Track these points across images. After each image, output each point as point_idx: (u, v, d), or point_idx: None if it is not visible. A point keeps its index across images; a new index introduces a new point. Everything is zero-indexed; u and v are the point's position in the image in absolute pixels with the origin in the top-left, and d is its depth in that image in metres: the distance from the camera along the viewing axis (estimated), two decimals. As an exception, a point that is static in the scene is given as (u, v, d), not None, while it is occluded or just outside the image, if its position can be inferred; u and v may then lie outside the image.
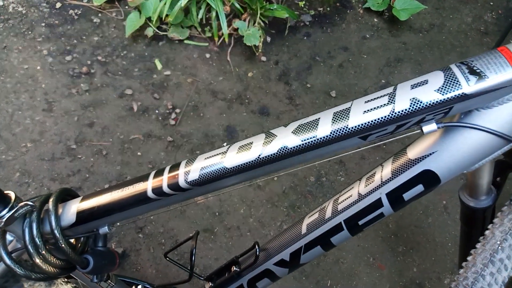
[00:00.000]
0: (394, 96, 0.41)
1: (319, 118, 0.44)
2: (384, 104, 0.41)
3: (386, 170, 0.49)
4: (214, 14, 1.63)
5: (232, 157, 0.47)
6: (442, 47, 1.82)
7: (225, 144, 1.53)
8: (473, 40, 1.85)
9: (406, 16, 1.80)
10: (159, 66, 1.69)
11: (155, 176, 0.52)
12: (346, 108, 0.43)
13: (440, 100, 0.39)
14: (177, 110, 1.59)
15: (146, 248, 1.34)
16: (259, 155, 0.46)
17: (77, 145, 1.51)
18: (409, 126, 0.43)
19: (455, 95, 0.39)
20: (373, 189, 0.50)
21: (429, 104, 0.39)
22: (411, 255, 1.35)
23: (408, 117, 0.41)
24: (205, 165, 0.49)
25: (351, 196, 0.53)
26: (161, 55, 1.72)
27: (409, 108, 0.40)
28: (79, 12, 1.79)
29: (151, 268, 1.32)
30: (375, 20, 1.88)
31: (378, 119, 0.41)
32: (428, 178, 0.47)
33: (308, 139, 0.44)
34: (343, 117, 0.43)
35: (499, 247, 0.58)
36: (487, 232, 0.61)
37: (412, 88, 0.41)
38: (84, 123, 1.55)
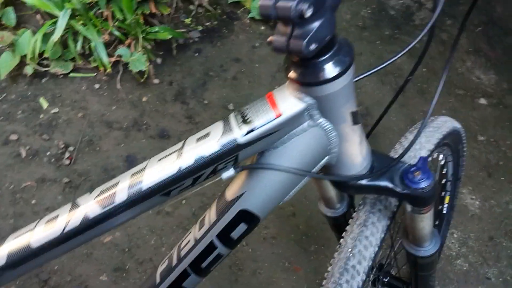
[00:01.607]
0: (182, 152, 0.42)
1: (118, 182, 0.44)
2: (173, 162, 0.42)
3: (212, 213, 0.51)
4: (93, 44, 1.57)
5: (39, 233, 0.45)
6: (328, 46, 1.92)
7: (126, 175, 1.48)
8: (354, 36, 1.97)
9: (290, 21, 1.87)
10: (44, 104, 1.59)
11: None
12: (142, 168, 0.43)
13: (220, 153, 0.41)
14: (71, 148, 1.51)
15: (53, 303, 1.25)
16: (63, 230, 0.44)
17: (-42, 206, 1.37)
18: (205, 177, 0.44)
19: (232, 147, 0.41)
20: (205, 232, 0.51)
21: (211, 158, 0.41)
22: (323, 252, 1.41)
23: (197, 172, 0.42)
24: (12, 249, 0.46)
25: (189, 241, 0.53)
26: (45, 92, 1.62)
27: (194, 164, 0.41)
28: None
29: (61, 323, 1.23)
30: (262, 28, 1.93)
31: (168, 178, 0.42)
32: (247, 217, 0.49)
33: (108, 206, 0.43)
34: (139, 178, 0.43)
35: (351, 254, 0.61)
36: (341, 240, 0.65)
37: (198, 141, 0.42)
38: (-36, 180, 1.41)
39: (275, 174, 0.45)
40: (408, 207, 0.55)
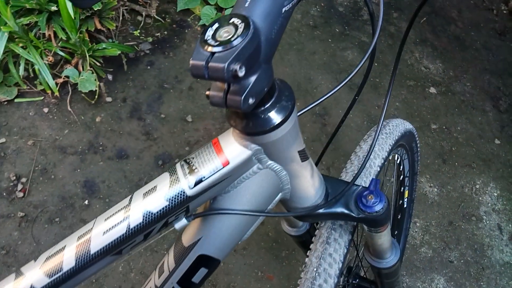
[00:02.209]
0: (129, 209, 0.41)
1: (64, 247, 0.42)
2: (121, 221, 0.40)
3: (170, 259, 0.50)
4: (37, 67, 1.49)
5: None
6: (281, 48, 1.93)
7: (86, 202, 1.42)
8: (306, 35, 1.99)
9: (241, 26, 1.86)
10: (-10, 135, 1.50)
11: None
12: (89, 230, 0.42)
13: (170, 208, 0.40)
14: (23, 180, 1.43)
15: None
16: None
17: None
18: (157, 231, 0.43)
19: (181, 200, 0.40)
20: (165, 280, 0.50)
21: (161, 213, 0.40)
22: (294, 257, 1.42)
23: (147, 228, 0.41)
24: None
25: (150, 288, 0.52)
26: (-11, 121, 1.53)
27: (143, 222, 0.40)
28: None
29: None
30: (214, 34, 1.90)
31: (118, 238, 0.40)
32: (206, 261, 0.48)
33: (56, 274, 0.41)
34: (86, 242, 0.41)
35: (316, 274, 0.62)
36: (306, 259, 0.65)
37: (145, 196, 0.41)
38: None
39: (229, 218, 0.45)
40: (365, 227, 0.56)
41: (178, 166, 0.42)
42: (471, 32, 2.16)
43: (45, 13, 1.48)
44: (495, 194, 1.64)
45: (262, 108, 0.40)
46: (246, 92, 0.34)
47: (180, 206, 0.40)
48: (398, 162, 1.06)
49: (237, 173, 0.42)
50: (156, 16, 1.88)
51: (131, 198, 0.42)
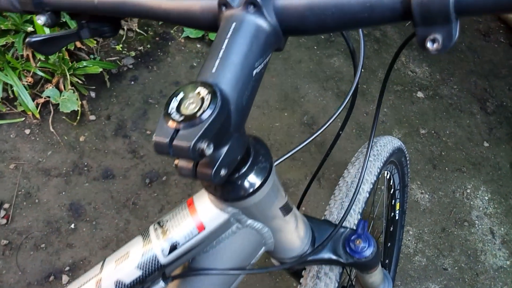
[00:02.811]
0: (100, 279, 0.38)
1: None
2: None
3: None
4: (15, 89, 1.45)
5: None
6: (267, 57, 1.91)
7: (72, 225, 1.39)
8: (291, 43, 1.97)
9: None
10: (-30, 160, 1.45)
11: None
12: None
13: (143, 277, 0.38)
14: (6, 206, 1.39)
15: None
16: None
17: None
18: None
19: (155, 268, 0.38)
20: None
21: (133, 283, 0.37)
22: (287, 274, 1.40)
23: None
24: None
25: None
26: (-31, 146, 1.48)
27: None
28: None
29: None
30: (198, 46, 1.88)
31: None
32: None
33: None
34: None
35: (307, 311, 0.60)
36: (296, 297, 0.63)
37: (117, 264, 0.38)
38: None
39: (210, 277, 0.42)
40: (355, 269, 0.55)
41: (151, 229, 0.40)
42: (456, 34, 2.16)
43: (22, 33, 1.44)
44: (486, 197, 1.64)
45: (238, 175, 0.37)
46: (217, 165, 0.31)
47: (154, 274, 0.38)
48: (388, 177, 1.05)
49: (215, 235, 0.39)
50: (138, 30, 1.85)
51: (102, 264, 0.40)
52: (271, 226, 0.42)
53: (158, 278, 0.39)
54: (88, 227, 1.39)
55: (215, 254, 0.41)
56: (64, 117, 1.57)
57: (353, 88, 0.47)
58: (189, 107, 0.29)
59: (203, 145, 0.28)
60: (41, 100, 1.54)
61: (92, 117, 1.61)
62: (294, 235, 0.46)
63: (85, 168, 1.50)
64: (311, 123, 1.72)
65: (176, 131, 0.29)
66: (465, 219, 1.58)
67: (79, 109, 1.51)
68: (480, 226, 1.57)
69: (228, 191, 0.37)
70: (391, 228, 1.26)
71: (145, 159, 1.55)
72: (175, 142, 0.28)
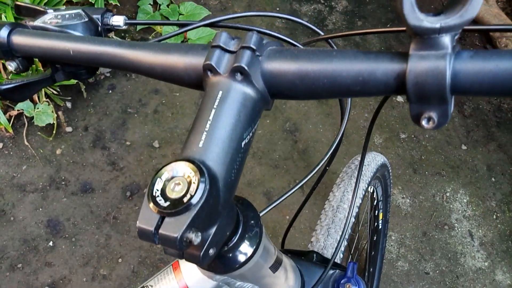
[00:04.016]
0: None
1: None
2: None
3: None
4: (-14, 102, 1.39)
5: None
6: (247, 63, 1.89)
7: (51, 243, 1.34)
8: (272, 48, 1.95)
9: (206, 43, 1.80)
10: None
11: None
12: None
13: None
14: (-21, 224, 1.34)
15: None
16: None
17: None
18: None
19: None
20: None
21: None
22: None
23: None
24: None
25: None
26: None
27: None
28: None
29: None
30: (177, 52, 1.84)
31: None
32: None
33: None
34: None
35: None
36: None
37: None
38: None
39: None
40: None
41: None
42: (433, 37, 2.19)
43: (-8, 44, 1.38)
44: (465, 200, 1.68)
45: (227, 247, 0.35)
46: (205, 247, 0.30)
47: None
48: (371, 191, 1.06)
49: None
50: (114, 36, 1.80)
51: None
52: (261, 284, 0.41)
53: None
54: (68, 244, 1.35)
55: None
56: (39, 132, 1.52)
57: (336, 141, 0.46)
58: (175, 189, 0.27)
59: (191, 235, 0.26)
60: (14, 113, 1.48)
61: (69, 129, 1.56)
62: (284, 287, 0.45)
63: (63, 182, 1.46)
64: (293, 130, 1.72)
65: (162, 218, 0.27)
66: (445, 222, 1.61)
67: (54, 122, 1.46)
68: (459, 229, 1.61)
69: (217, 265, 0.35)
70: (375, 237, 1.27)
71: (125, 171, 1.51)
72: (161, 231, 0.26)
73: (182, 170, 0.28)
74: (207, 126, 0.29)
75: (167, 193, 0.27)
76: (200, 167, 0.27)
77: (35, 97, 1.49)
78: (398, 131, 1.81)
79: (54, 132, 1.51)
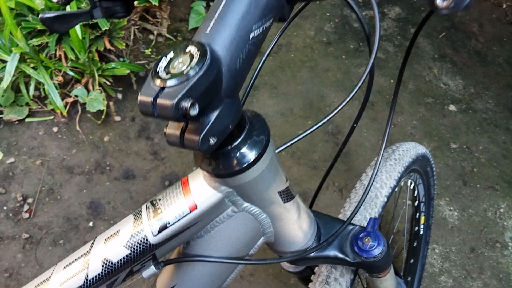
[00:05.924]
0: (89, 258, 0.36)
1: None
2: (79, 271, 0.36)
3: None
4: (46, 87, 1.50)
5: None
6: (293, 65, 1.89)
7: (91, 223, 1.40)
8: (319, 52, 1.95)
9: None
10: None
11: None
12: (47, 278, 0.37)
13: (132, 256, 0.36)
14: (30, 200, 1.42)
15: None
16: None
17: None
18: (121, 281, 0.38)
19: (144, 248, 0.35)
20: None
21: (121, 263, 0.35)
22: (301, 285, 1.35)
23: (108, 279, 0.36)
24: None
25: None
26: (0, 142, 1.54)
27: (102, 272, 0.36)
28: None
29: None
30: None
31: None
32: None
33: None
34: None
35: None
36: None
37: (106, 243, 0.37)
38: None
39: (205, 265, 0.40)
40: (365, 272, 0.51)
41: (143, 208, 0.38)
42: (493, 47, 2.07)
43: (56, 34, 1.49)
44: (522, 219, 1.54)
45: (230, 147, 0.35)
46: (204, 131, 0.30)
47: (143, 255, 0.36)
48: (411, 187, 1.00)
49: (208, 218, 0.37)
50: (167, 35, 1.88)
51: (92, 243, 0.38)
52: (269, 212, 0.40)
53: (148, 261, 0.37)
54: (106, 226, 1.40)
55: (210, 240, 0.39)
56: (89, 115, 1.61)
57: (368, 70, 0.44)
58: (178, 66, 0.28)
59: (187, 104, 0.26)
60: (70, 100, 1.58)
61: (118, 118, 1.64)
62: (296, 226, 0.43)
63: (107, 168, 1.52)
64: (336, 133, 1.68)
65: (162, 89, 0.27)
66: (497, 240, 1.48)
67: (104, 108, 1.54)
68: (514, 249, 1.47)
69: (220, 165, 0.35)
70: (415, 243, 1.19)
71: (166, 161, 1.55)
72: (158, 100, 0.27)
73: (186, 49, 0.28)
74: (217, 14, 0.30)
75: (170, 68, 0.28)
76: (203, 46, 0.28)
77: (90, 85, 1.58)
78: (448, 141, 1.71)
79: (103, 117, 1.59)
